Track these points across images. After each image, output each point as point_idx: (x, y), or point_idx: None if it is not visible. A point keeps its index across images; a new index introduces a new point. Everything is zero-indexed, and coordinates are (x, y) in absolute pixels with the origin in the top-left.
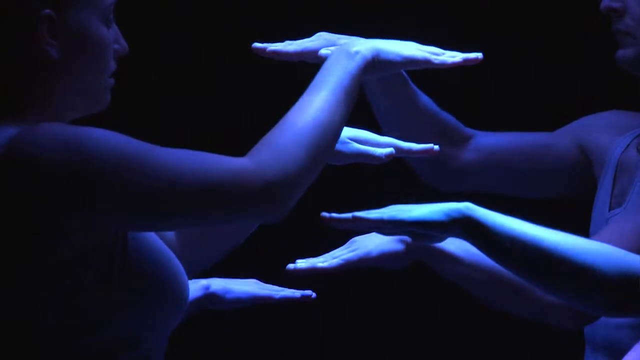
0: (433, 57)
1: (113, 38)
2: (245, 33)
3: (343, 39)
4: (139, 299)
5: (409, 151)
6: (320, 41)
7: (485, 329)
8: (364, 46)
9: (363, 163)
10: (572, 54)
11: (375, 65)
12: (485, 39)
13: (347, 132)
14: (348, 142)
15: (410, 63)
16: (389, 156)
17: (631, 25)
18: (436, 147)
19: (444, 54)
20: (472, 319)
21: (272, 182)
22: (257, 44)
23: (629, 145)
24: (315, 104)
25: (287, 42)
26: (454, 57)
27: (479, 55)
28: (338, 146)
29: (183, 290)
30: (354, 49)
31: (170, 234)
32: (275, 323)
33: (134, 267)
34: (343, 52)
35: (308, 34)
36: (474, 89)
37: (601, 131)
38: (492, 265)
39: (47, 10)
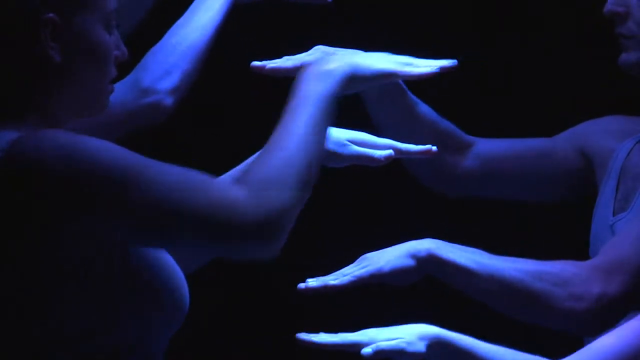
0: (408, 69)
1: (114, 44)
2: (243, 48)
3: (341, 52)
4: (139, 304)
5: (408, 152)
6: (318, 54)
7: (481, 331)
8: (337, 64)
9: (362, 165)
10: (573, 57)
11: (350, 82)
12: (485, 41)
13: (346, 134)
14: (347, 145)
15: (385, 76)
16: (388, 158)
17: (634, 30)
18: (434, 147)
19: (418, 66)
20: (469, 319)
21: (269, 215)
22: (255, 63)
23: (632, 149)
24: (299, 130)
25: (285, 57)
26: (429, 66)
27: (454, 62)
28: (337, 148)
29: (183, 296)
30: (327, 67)
31: None
32: (274, 324)
33: (135, 273)
34: (316, 73)
35: (306, 47)
36: (473, 95)
37: (604, 136)
38: (508, 275)
39: (50, 14)
